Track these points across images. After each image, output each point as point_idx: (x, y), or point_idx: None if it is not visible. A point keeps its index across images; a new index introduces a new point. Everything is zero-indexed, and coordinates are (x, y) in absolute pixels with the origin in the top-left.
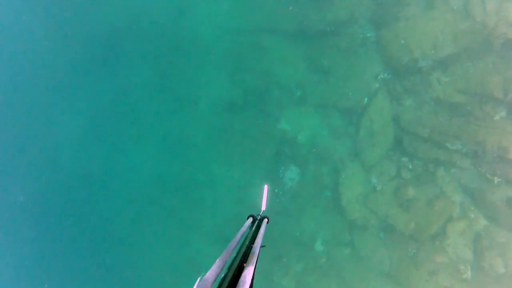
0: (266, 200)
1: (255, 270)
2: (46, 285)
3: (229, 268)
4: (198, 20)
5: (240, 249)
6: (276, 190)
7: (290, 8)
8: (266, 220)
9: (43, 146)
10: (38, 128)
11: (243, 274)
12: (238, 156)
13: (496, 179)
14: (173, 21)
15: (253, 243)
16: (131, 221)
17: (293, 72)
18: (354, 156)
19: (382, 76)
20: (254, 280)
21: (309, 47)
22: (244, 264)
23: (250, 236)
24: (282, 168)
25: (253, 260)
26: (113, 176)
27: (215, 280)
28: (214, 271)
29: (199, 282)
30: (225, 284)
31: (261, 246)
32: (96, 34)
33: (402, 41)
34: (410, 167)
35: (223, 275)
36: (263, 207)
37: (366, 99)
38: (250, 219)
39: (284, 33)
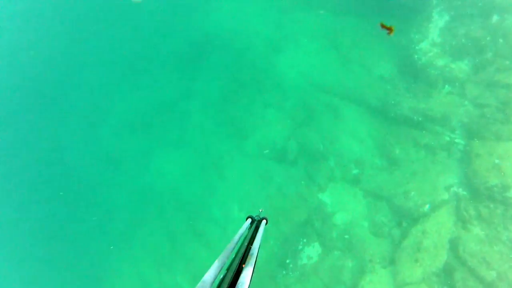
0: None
1: (254, 271)
2: None
3: (227, 269)
4: (287, 61)
5: (238, 250)
6: (287, 261)
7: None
8: (264, 221)
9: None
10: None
11: (241, 275)
12: (264, 208)
13: None
14: (264, 54)
15: (251, 244)
16: (126, 223)
17: (358, 148)
18: (389, 263)
19: (456, 190)
20: (251, 281)
21: (385, 128)
22: (243, 265)
23: (248, 237)
24: (304, 240)
25: (251, 261)
26: (132, 169)
27: (214, 281)
28: (212, 272)
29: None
30: (224, 285)
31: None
32: (191, 37)
33: (496, 161)
34: None
35: (221, 276)
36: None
37: (428, 206)
38: (249, 220)
39: (365, 104)
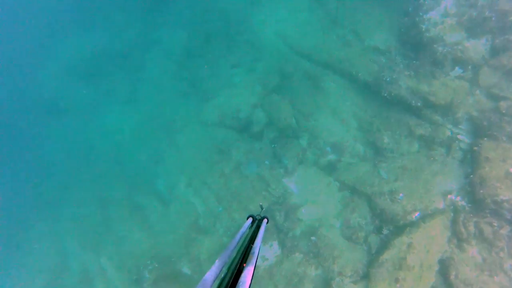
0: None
1: (254, 270)
2: None
3: (228, 269)
4: (264, 17)
5: (239, 250)
6: None
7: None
8: (265, 220)
9: None
10: None
11: (242, 274)
12: (216, 188)
13: None
14: (239, 4)
15: (252, 243)
16: (57, 183)
17: (339, 129)
18: (362, 278)
19: (454, 199)
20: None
21: (374, 109)
22: (244, 265)
23: (249, 236)
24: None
25: (252, 260)
26: (71, 123)
27: (214, 280)
28: (213, 271)
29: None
30: (225, 284)
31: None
32: None
33: (511, 170)
34: None
35: (222, 276)
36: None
37: (418, 214)
38: (250, 219)
39: (352, 78)
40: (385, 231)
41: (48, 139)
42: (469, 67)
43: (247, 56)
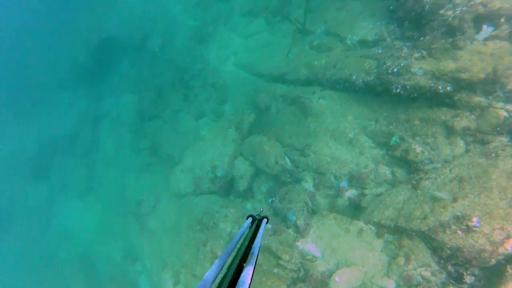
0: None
1: (254, 270)
2: None
3: (228, 268)
4: (218, 52)
5: (239, 249)
6: None
7: None
8: (265, 220)
9: None
10: None
11: (242, 274)
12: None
13: None
14: (186, 47)
15: (252, 243)
16: None
17: (349, 153)
18: None
19: None
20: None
21: (389, 114)
22: (244, 264)
23: (249, 236)
24: None
25: (252, 260)
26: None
27: (214, 280)
28: (213, 271)
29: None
30: (225, 284)
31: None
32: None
33: None
34: None
35: (222, 276)
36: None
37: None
38: (250, 219)
39: (346, 85)
40: (468, 279)
41: None
42: (502, 19)
43: (209, 101)
